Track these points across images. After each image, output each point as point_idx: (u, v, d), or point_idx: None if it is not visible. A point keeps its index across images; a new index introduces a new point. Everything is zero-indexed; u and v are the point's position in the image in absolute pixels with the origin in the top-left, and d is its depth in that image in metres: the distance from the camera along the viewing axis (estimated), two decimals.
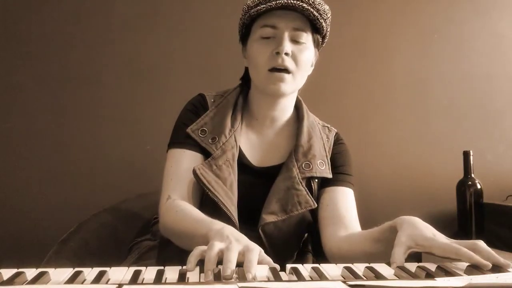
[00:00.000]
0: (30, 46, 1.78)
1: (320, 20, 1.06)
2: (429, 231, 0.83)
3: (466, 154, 1.73)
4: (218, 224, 0.85)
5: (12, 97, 1.76)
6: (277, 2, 1.02)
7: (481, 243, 0.78)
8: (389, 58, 2.00)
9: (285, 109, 1.16)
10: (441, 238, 0.82)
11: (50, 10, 1.79)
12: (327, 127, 1.22)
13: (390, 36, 2.00)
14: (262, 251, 0.77)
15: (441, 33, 2.03)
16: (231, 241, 0.75)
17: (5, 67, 1.76)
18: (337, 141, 1.20)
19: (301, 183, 1.08)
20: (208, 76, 1.82)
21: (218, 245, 0.74)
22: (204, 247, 0.75)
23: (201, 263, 0.73)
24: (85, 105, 1.79)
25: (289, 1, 1.02)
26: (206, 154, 1.08)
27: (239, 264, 0.71)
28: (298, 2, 1.02)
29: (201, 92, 1.19)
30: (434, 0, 2.04)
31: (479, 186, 1.72)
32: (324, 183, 1.14)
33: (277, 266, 0.73)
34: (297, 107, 1.20)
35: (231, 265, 0.68)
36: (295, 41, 1.06)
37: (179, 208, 1.00)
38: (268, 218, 1.04)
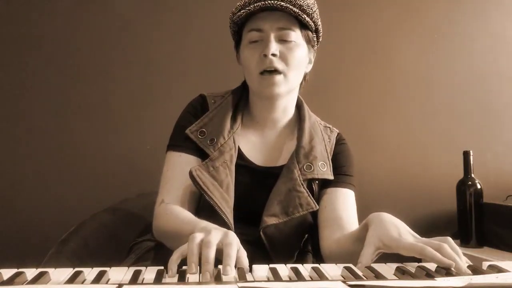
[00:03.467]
0: (32, 47, 1.78)
1: (303, 16, 1.05)
2: (396, 230, 0.83)
3: (466, 154, 1.73)
4: (203, 223, 0.86)
5: (12, 98, 1.77)
6: (255, 4, 1.02)
7: (448, 243, 0.78)
8: (389, 58, 2.00)
9: (285, 110, 1.15)
10: (408, 237, 0.82)
11: (50, 11, 1.79)
12: (329, 127, 1.21)
13: (390, 36, 2.00)
14: (241, 248, 0.75)
15: (441, 33, 2.03)
16: (210, 230, 0.76)
17: (6, 67, 1.77)
18: (339, 142, 1.19)
19: (303, 185, 1.07)
20: (209, 76, 1.82)
21: (198, 236, 0.74)
22: (183, 247, 0.75)
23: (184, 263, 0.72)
24: (85, 106, 1.79)
25: (266, 2, 1.01)
26: (204, 156, 1.07)
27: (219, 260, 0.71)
28: (276, 2, 1.01)
29: (202, 93, 1.18)
30: (435, 0, 2.04)
31: (479, 186, 1.72)
32: (325, 184, 1.13)
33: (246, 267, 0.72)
34: (299, 108, 1.19)
35: (209, 267, 0.68)
36: (283, 40, 1.05)
37: (169, 211, 1.00)
38: (270, 220, 1.04)
